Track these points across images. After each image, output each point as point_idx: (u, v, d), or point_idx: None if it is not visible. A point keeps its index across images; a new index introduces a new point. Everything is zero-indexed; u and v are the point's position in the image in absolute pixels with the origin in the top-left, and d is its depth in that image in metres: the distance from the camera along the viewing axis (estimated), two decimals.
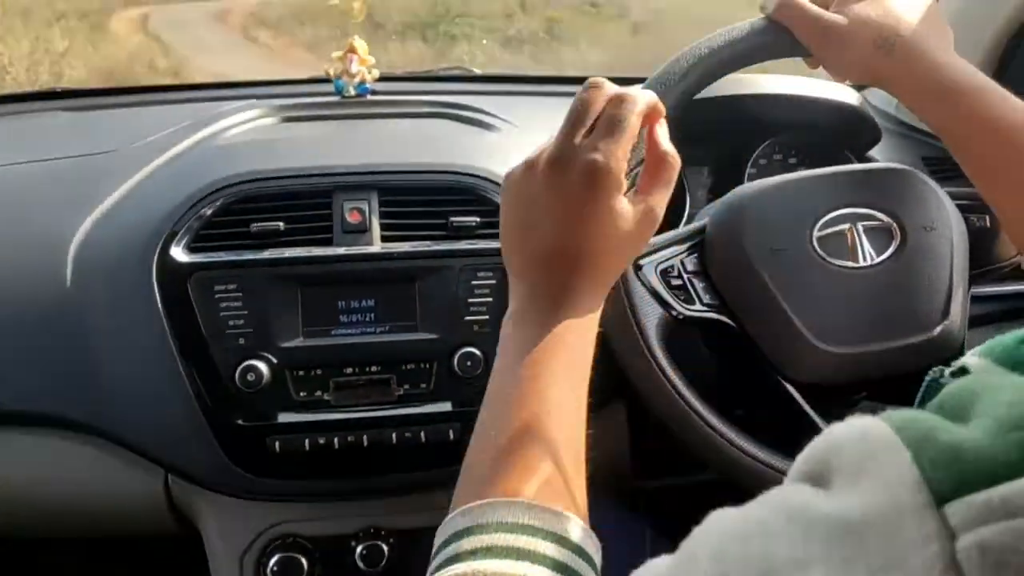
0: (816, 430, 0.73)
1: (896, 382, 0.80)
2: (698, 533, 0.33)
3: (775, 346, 0.77)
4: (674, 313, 0.79)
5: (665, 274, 0.80)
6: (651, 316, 0.77)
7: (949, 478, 0.26)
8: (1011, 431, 0.27)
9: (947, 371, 0.39)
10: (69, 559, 1.45)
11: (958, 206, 0.83)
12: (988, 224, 0.89)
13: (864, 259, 0.77)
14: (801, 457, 0.34)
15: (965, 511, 0.26)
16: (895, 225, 0.79)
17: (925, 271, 0.78)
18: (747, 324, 0.79)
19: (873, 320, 0.76)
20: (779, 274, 0.77)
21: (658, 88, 0.71)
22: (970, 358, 0.36)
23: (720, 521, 0.33)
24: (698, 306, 0.80)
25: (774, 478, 0.72)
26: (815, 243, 0.77)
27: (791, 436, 0.76)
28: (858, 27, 0.70)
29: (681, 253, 0.81)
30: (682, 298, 0.79)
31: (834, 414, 0.77)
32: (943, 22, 0.72)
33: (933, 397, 0.40)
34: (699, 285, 0.80)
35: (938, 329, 0.77)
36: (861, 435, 0.30)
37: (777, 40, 0.73)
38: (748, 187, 0.83)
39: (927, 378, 0.41)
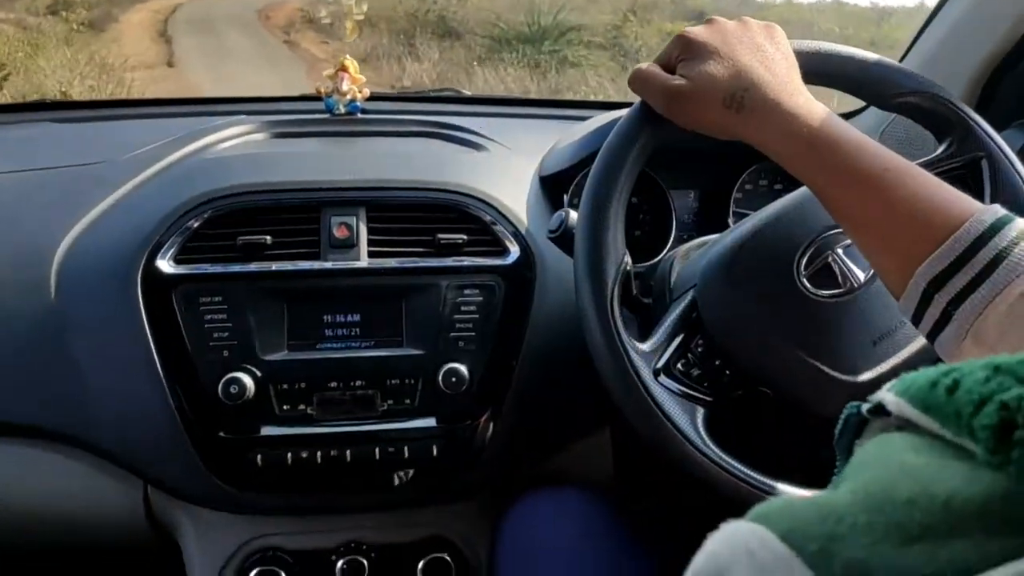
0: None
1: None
2: None
3: (801, 391, 0.77)
4: (716, 403, 0.77)
5: (685, 374, 0.78)
6: (685, 413, 0.75)
7: None
8: (914, 541, 0.26)
9: (864, 407, 0.38)
10: (44, 570, 1.43)
11: None
12: None
13: (854, 281, 0.77)
14: None
15: None
16: None
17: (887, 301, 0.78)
18: (775, 381, 0.78)
19: (882, 336, 0.76)
20: (783, 325, 0.76)
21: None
22: (887, 394, 0.36)
23: None
24: (729, 385, 0.78)
25: (717, 472, 0.73)
26: (805, 283, 0.76)
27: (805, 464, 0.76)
28: (704, 87, 0.68)
29: (686, 341, 0.79)
30: (707, 385, 0.77)
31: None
32: (795, 70, 0.70)
33: (849, 434, 0.39)
34: (718, 364, 0.79)
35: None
36: (747, 553, 0.29)
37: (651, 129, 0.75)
38: (721, 246, 0.80)
39: (844, 412, 0.39)
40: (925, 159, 0.76)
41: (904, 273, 0.59)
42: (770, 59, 0.69)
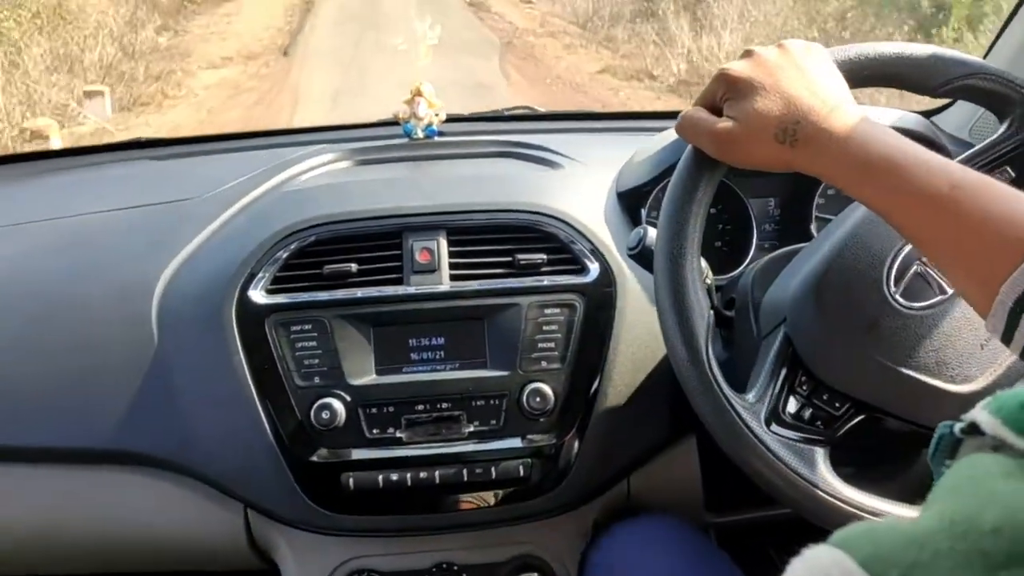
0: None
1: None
2: None
3: (917, 410, 0.75)
4: (834, 439, 0.76)
5: (796, 416, 0.76)
6: (806, 461, 0.73)
7: None
8: (998, 570, 0.26)
9: (957, 427, 0.37)
10: None
11: None
12: None
13: (948, 286, 0.75)
14: None
15: None
16: None
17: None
18: (890, 406, 0.76)
19: (988, 338, 0.73)
20: (886, 347, 0.74)
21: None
22: (981, 414, 0.35)
23: None
24: (843, 417, 0.76)
25: (852, 514, 0.71)
26: (899, 299, 0.74)
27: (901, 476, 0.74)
28: (752, 125, 0.67)
29: (789, 380, 0.77)
30: (820, 424, 0.76)
31: None
32: (843, 87, 0.68)
33: (945, 452, 0.38)
34: (827, 398, 0.76)
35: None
36: None
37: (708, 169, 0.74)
38: (804, 275, 0.78)
39: (937, 432, 0.39)
40: (988, 140, 0.74)
41: (987, 292, 0.57)
42: (816, 83, 0.67)
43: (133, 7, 8.41)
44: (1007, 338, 0.57)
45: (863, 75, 0.73)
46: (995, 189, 0.58)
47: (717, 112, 0.70)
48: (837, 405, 0.76)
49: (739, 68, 0.69)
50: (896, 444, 0.81)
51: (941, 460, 0.38)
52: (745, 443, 0.72)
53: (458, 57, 6.69)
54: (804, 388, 0.76)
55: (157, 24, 8.54)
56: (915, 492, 0.72)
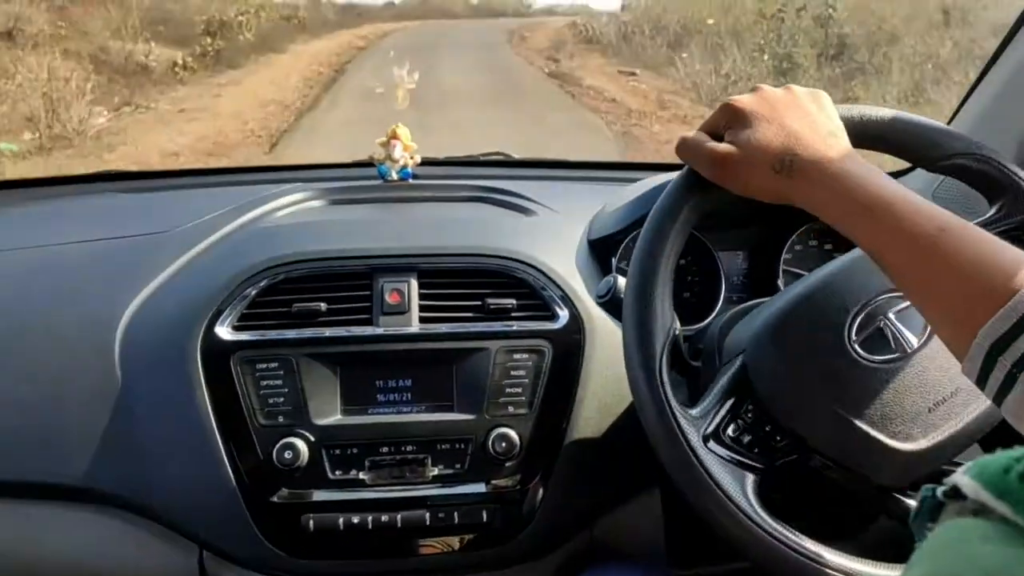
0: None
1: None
2: None
3: (854, 459, 0.75)
4: (766, 470, 0.76)
5: (735, 440, 0.77)
6: (735, 480, 0.74)
7: None
8: None
9: (939, 491, 0.37)
10: None
11: None
12: None
13: (908, 346, 0.76)
14: None
15: None
16: None
17: (943, 366, 0.75)
18: (828, 449, 0.76)
19: (938, 403, 0.74)
20: (835, 392, 0.75)
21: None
22: (962, 478, 0.35)
23: None
24: (780, 450, 0.77)
25: (773, 545, 0.71)
26: (857, 349, 0.75)
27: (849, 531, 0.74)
28: (752, 153, 0.69)
29: (736, 407, 0.78)
30: (757, 451, 0.76)
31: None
32: (842, 133, 0.70)
33: (927, 515, 0.38)
34: (769, 430, 0.77)
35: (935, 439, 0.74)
36: None
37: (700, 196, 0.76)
38: (771, 311, 0.80)
39: (920, 495, 0.39)
40: (978, 220, 0.75)
41: (966, 335, 0.58)
42: (817, 124, 0.69)
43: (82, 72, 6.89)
44: (981, 381, 0.58)
45: (865, 135, 0.76)
46: (981, 236, 0.60)
47: (718, 139, 0.72)
48: (778, 439, 0.77)
49: (744, 100, 0.72)
50: (827, 491, 0.82)
51: (924, 522, 0.39)
52: (680, 452, 0.72)
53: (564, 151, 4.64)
54: (749, 416, 0.77)
55: (95, 98, 6.72)
56: (837, 540, 0.73)
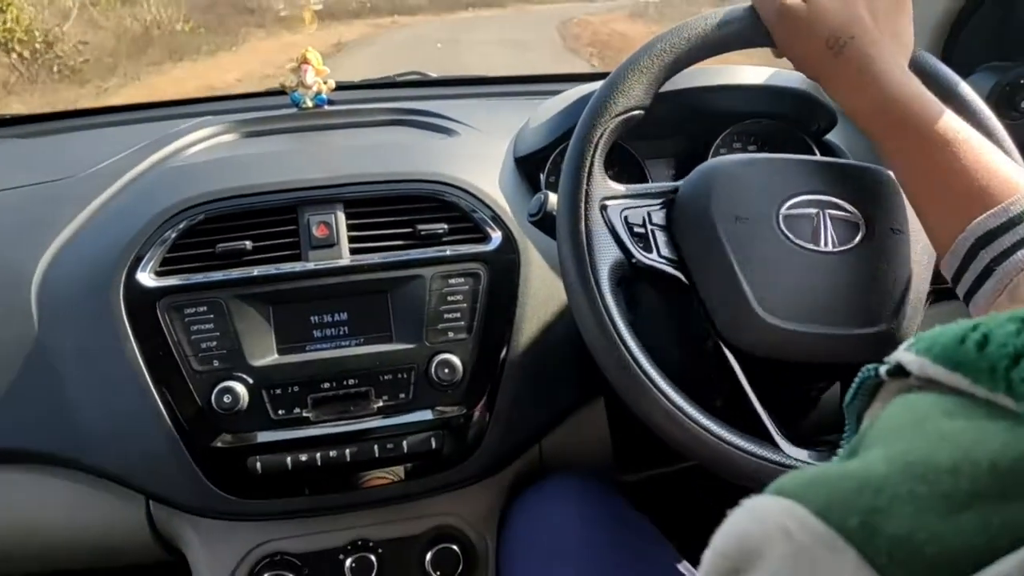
0: (748, 400, 0.74)
1: (839, 370, 0.81)
2: None
3: (723, 311, 0.77)
4: (631, 259, 0.78)
5: (629, 221, 0.79)
6: (606, 257, 0.76)
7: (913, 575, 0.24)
8: (963, 509, 0.25)
9: (882, 369, 0.36)
10: None
11: None
12: None
13: (826, 245, 0.77)
14: (714, 561, 0.30)
15: None
16: (863, 221, 0.79)
17: (884, 269, 0.78)
18: (700, 285, 0.79)
19: (823, 304, 0.76)
20: (739, 242, 0.77)
21: (633, 76, 0.77)
22: (905, 354, 0.34)
23: None
24: (655, 256, 0.79)
25: (760, 467, 0.73)
26: (780, 219, 0.77)
27: (738, 411, 0.77)
28: (815, 20, 0.70)
29: (651, 206, 0.81)
30: (641, 246, 0.79)
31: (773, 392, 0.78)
32: (909, 35, 0.73)
33: (864, 397, 0.38)
34: (661, 238, 0.80)
35: (883, 327, 0.76)
36: (783, 532, 0.27)
37: (750, 25, 0.76)
38: (726, 158, 0.83)
39: (859, 376, 0.38)
40: None
41: (953, 231, 0.63)
42: (889, 20, 0.72)
43: None
44: (958, 275, 0.64)
45: None
46: (990, 148, 0.66)
47: None
48: (664, 252, 0.80)
49: None
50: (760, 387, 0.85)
51: (862, 405, 0.38)
52: (624, 366, 0.74)
53: None
54: (655, 219, 0.81)
55: None
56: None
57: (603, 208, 0.78)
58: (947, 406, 0.30)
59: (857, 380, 0.39)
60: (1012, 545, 0.24)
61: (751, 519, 0.29)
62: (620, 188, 0.80)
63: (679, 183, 0.83)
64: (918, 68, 0.77)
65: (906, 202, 0.79)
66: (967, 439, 0.28)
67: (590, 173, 0.77)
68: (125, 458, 0.88)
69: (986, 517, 0.25)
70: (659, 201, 0.82)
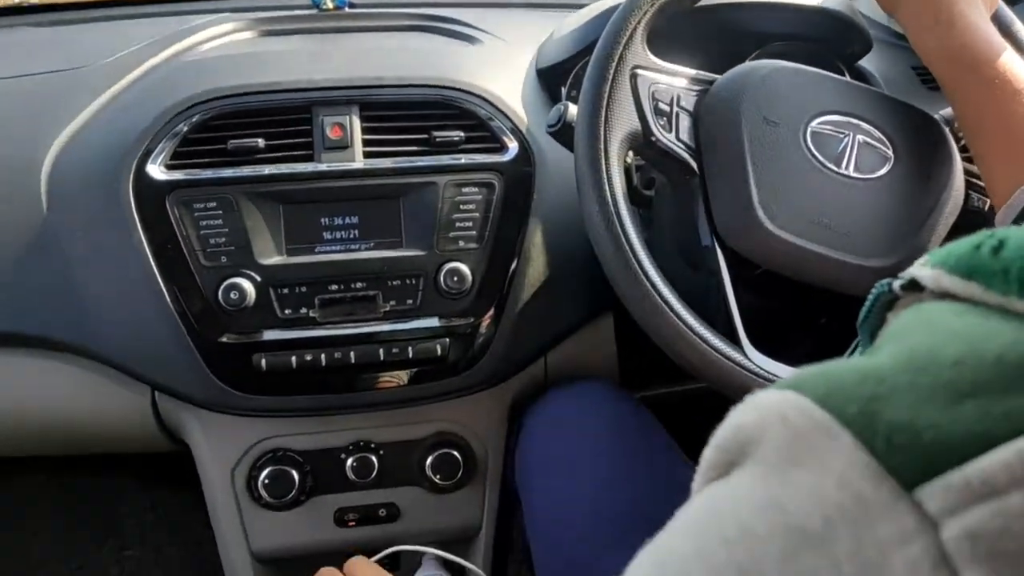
0: (728, 308, 0.74)
1: (838, 304, 0.78)
2: (635, 567, 0.29)
3: (725, 210, 0.76)
4: (649, 135, 0.76)
5: (656, 96, 0.77)
6: (623, 125, 0.75)
7: (912, 461, 0.23)
8: (964, 399, 0.24)
9: (896, 284, 0.35)
10: (55, 475, 1.47)
11: (966, 179, 0.81)
12: (985, 209, 0.84)
13: (847, 169, 0.75)
14: (710, 455, 0.30)
15: (943, 496, 0.22)
16: (893, 154, 0.77)
17: (906, 205, 0.76)
18: (709, 179, 0.77)
19: (832, 228, 0.74)
20: (760, 144, 0.75)
21: None
22: (921, 269, 0.33)
23: (655, 555, 0.29)
24: (673, 138, 0.78)
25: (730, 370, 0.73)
26: (808, 132, 0.75)
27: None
28: None
29: (683, 88, 0.79)
30: (662, 124, 0.77)
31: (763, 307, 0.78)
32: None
33: (878, 313, 0.37)
34: (684, 123, 0.78)
35: (895, 260, 0.74)
36: (780, 418, 0.26)
37: None
38: (771, 61, 0.81)
39: (873, 291, 0.37)
40: None
41: (1013, 183, 0.64)
42: None
43: None
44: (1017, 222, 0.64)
45: None
46: None
47: None
48: (682, 137, 0.79)
49: None
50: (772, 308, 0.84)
51: (876, 322, 0.38)
52: (638, 286, 0.73)
53: None
54: (683, 102, 0.79)
55: None
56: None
57: (633, 76, 0.76)
58: (958, 309, 0.30)
59: (871, 296, 0.38)
60: (1012, 434, 0.23)
61: (750, 410, 0.28)
62: (658, 61, 0.78)
63: (718, 76, 0.81)
64: (997, 21, 0.75)
65: (947, 149, 0.77)
66: (975, 335, 0.27)
67: (630, 38, 0.75)
68: (132, 348, 0.88)
69: (987, 407, 0.24)
70: (694, 87, 0.80)
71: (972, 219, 0.81)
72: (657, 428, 0.94)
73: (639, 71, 0.77)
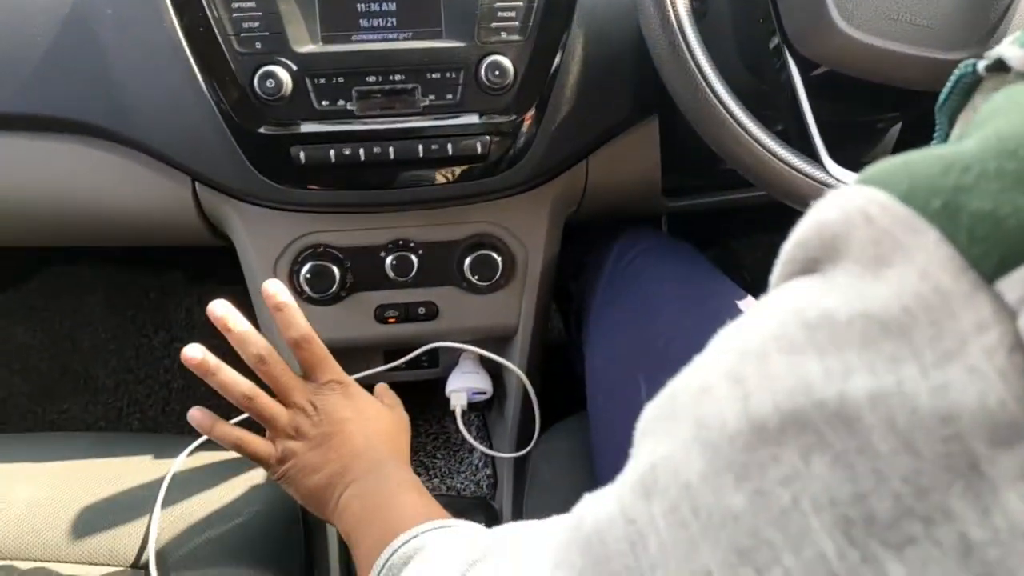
0: (803, 118, 0.70)
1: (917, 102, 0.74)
2: (709, 351, 0.30)
3: (797, 13, 0.71)
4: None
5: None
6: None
7: (992, 252, 0.23)
8: None
9: (980, 65, 0.33)
10: (103, 269, 1.51)
11: None
12: None
13: None
14: (790, 250, 0.30)
15: (1022, 286, 0.22)
16: None
17: None
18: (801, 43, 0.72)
19: (915, 21, 0.69)
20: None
21: None
22: (1009, 48, 0.31)
23: (729, 338, 0.29)
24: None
25: (801, 183, 0.71)
26: None
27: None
28: None
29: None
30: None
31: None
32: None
33: (959, 96, 0.35)
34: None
35: (983, 50, 0.68)
36: (864, 217, 0.26)
37: None
38: None
39: (956, 73, 0.35)
40: None
41: None
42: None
43: None
44: None
45: None
46: None
47: None
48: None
49: None
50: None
51: (956, 104, 0.35)
52: (700, 96, 0.70)
53: None
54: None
55: None
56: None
57: None
58: None
59: (953, 77, 0.35)
60: None
61: (832, 207, 0.27)
62: None
63: None
64: None
65: None
66: None
67: None
68: (168, 135, 0.87)
69: None
70: None
71: None
72: (722, 277, 0.95)
73: None
